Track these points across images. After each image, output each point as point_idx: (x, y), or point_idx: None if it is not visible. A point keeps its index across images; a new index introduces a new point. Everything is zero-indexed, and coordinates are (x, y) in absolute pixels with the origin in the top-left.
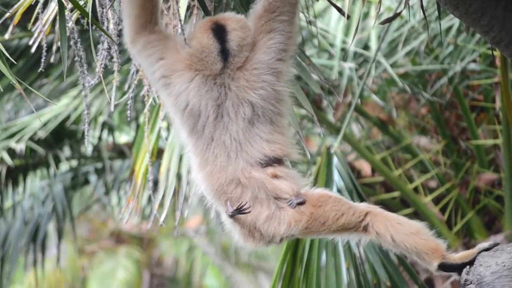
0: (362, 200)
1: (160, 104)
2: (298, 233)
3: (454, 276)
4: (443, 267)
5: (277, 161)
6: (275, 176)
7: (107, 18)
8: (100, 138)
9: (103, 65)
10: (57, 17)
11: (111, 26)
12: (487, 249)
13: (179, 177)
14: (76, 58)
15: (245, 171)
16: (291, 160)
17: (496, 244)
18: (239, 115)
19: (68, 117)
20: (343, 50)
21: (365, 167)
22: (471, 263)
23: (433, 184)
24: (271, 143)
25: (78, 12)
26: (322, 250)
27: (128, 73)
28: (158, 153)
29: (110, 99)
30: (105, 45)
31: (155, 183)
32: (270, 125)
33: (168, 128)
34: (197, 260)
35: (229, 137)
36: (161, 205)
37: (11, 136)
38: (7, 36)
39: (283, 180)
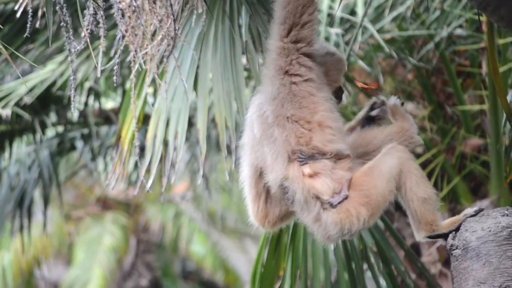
0: None
1: (146, 70)
2: (372, 220)
3: (440, 241)
4: (430, 236)
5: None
6: (311, 175)
7: None
8: (86, 104)
9: (89, 31)
10: None
11: None
12: (472, 215)
13: (165, 143)
14: (62, 24)
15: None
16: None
17: (481, 210)
18: None
19: (54, 83)
20: (330, 15)
21: None
22: (457, 229)
23: (419, 149)
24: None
25: None
26: None
27: (115, 38)
28: (144, 119)
29: (97, 65)
30: (91, 10)
31: (142, 149)
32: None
33: (154, 94)
34: (184, 226)
35: None
36: (148, 171)
37: None
38: None
39: (320, 178)
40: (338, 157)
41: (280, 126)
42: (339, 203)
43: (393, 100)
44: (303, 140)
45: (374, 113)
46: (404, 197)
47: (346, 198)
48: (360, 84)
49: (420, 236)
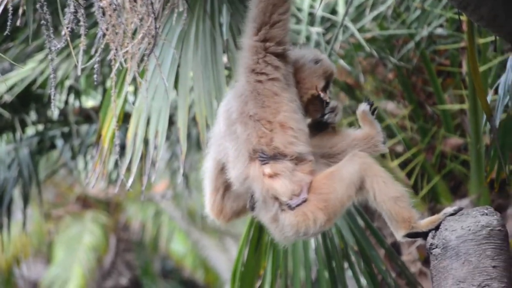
0: None
1: (127, 68)
2: (328, 225)
3: (420, 240)
4: (409, 235)
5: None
6: (271, 176)
7: None
8: (66, 102)
9: (69, 29)
10: None
11: None
12: (452, 214)
13: (146, 141)
14: (42, 22)
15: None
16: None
17: (461, 209)
18: None
19: (34, 81)
20: (311, 14)
21: None
22: (436, 228)
23: (399, 148)
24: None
25: None
26: None
27: (95, 37)
28: (125, 118)
29: (77, 63)
30: (72, 9)
31: (122, 147)
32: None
33: (135, 93)
34: (164, 225)
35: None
36: (128, 169)
37: None
38: None
39: (279, 179)
40: (299, 159)
41: (242, 124)
42: (298, 205)
43: (363, 106)
44: (264, 140)
45: (326, 118)
46: (376, 200)
47: (304, 201)
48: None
49: (400, 235)
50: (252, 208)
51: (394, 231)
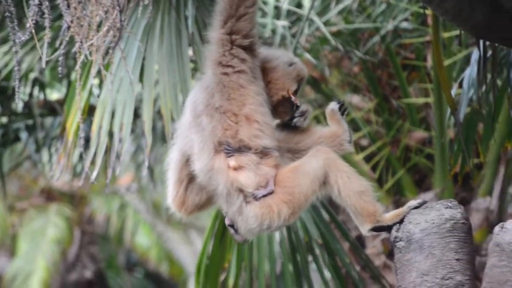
0: None
1: (92, 61)
2: (292, 218)
3: (385, 233)
4: (375, 228)
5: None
6: (236, 168)
7: None
8: (31, 95)
9: (34, 21)
10: None
11: None
12: (416, 207)
13: (111, 134)
14: (6, 14)
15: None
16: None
17: (425, 202)
18: None
19: None
20: (276, 8)
21: None
22: (401, 221)
23: (364, 142)
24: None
25: None
26: None
27: (60, 29)
28: (89, 111)
29: (42, 56)
30: (36, 1)
31: (87, 140)
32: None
33: (100, 85)
34: (129, 218)
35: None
36: (93, 162)
37: None
38: None
39: (244, 171)
40: (264, 153)
41: (208, 116)
42: (264, 196)
43: (332, 105)
44: (229, 132)
45: (295, 121)
46: (340, 195)
47: (271, 193)
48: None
49: (365, 229)
50: (236, 231)
51: (360, 225)
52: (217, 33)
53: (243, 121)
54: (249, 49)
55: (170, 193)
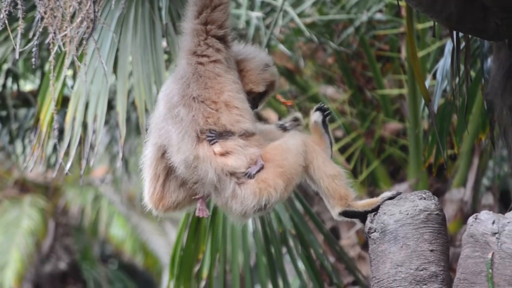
0: None
1: (65, 52)
2: (286, 193)
3: (359, 224)
4: (346, 213)
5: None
6: (222, 154)
7: None
8: (4, 86)
9: (7, 12)
10: None
11: None
12: (390, 198)
13: (85, 125)
14: None
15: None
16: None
17: (399, 193)
18: None
19: None
20: None
21: (272, 116)
22: (375, 211)
23: (339, 133)
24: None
25: None
26: None
27: (33, 20)
28: (63, 102)
29: (15, 47)
30: None
31: (61, 131)
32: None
33: (73, 77)
34: (103, 209)
35: None
36: (67, 153)
37: None
38: None
39: (232, 155)
40: (246, 135)
41: (186, 106)
42: (257, 172)
43: (315, 116)
44: (211, 120)
45: (287, 126)
46: (314, 176)
47: (262, 167)
48: (279, 97)
49: (336, 212)
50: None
51: (331, 208)
52: (192, 23)
53: (223, 108)
54: (224, 39)
55: (147, 191)
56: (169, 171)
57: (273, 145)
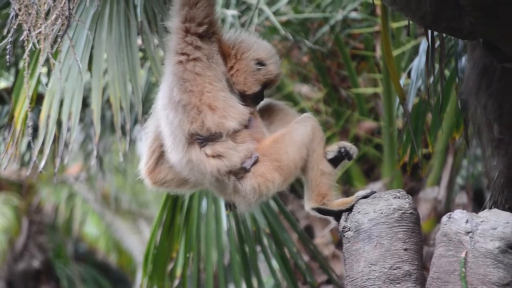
0: None
1: (40, 49)
2: (283, 186)
3: (333, 223)
4: (319, 210)
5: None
6: (214, 156)
7: None
8: None
9: None
10: None
11: None
12: (365, 197)
13: (59, 123)
14: None
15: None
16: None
17: (373, 192)
18: None
19: None
20: None
21: None
22: (349, 210)
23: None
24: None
25: None
26: (203, 198)
27: (7, 17)
28: (38, 99)
29: None
30: None
31: (35, 129)
32: None
33: (48, 74)
34: (77, 207)
35: None
36: (41, 151)
37: None
38: None
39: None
40: (235, 132)
41: (173, 110)
42: (253, 165)
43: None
44: (196, 124)
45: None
46: (307, 163)
47: (257, 160)
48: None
49: (309, 206)
50: (230, 208)
51: (306, 200)
52: (172, 22)
53: (206, 111)
54: (206, 36)
55: (143, 158)
56: (164, 151)
57: (277, 135)
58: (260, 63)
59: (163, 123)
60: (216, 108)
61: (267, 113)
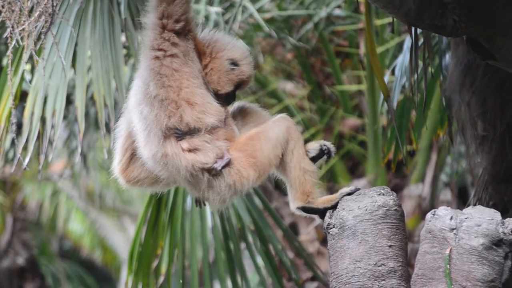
0: None
1: (23, 46)
2: (258, 182)
3: (318, 220)
4: (304, 209)
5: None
6: (190, 150)
7: None
8: None
9: None
10: None
11: None
12: (349, 194)
13: (43, 120)
14: None
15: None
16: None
17: (358, 189)
18: None
19: None
20: None
21: None
22: (333, 207)
23: (298, 129)
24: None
25: None
26: (187, 195)
27: None
28: (21, 96)
29: None
30: None
31: (19, 126)
32: None
33: (32, 71)
34: (62, 205)
35: None
36: (25, 148)
37: None
38: None
39: (200, 151)
40: (213, 129)
41: (148, 105)
42: (224, 167)
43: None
44: (174, 119)
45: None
46: (289, 163)
47: (229, 162)
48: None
49: (295, 206)
50: (200, 205)
51: (291, 200)
52: (148, 18)
53: (184, 105)
54: (182, 34)
55: (116, 157)
56: (136, 148)
57: (252, 133)
58: (234, 63)
59: (136, 119)
60: (195, 103)
61: (241, 115)
